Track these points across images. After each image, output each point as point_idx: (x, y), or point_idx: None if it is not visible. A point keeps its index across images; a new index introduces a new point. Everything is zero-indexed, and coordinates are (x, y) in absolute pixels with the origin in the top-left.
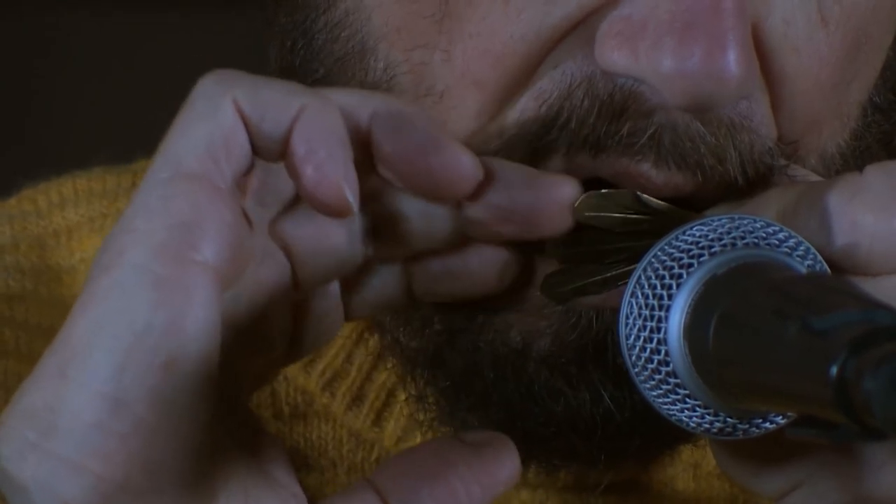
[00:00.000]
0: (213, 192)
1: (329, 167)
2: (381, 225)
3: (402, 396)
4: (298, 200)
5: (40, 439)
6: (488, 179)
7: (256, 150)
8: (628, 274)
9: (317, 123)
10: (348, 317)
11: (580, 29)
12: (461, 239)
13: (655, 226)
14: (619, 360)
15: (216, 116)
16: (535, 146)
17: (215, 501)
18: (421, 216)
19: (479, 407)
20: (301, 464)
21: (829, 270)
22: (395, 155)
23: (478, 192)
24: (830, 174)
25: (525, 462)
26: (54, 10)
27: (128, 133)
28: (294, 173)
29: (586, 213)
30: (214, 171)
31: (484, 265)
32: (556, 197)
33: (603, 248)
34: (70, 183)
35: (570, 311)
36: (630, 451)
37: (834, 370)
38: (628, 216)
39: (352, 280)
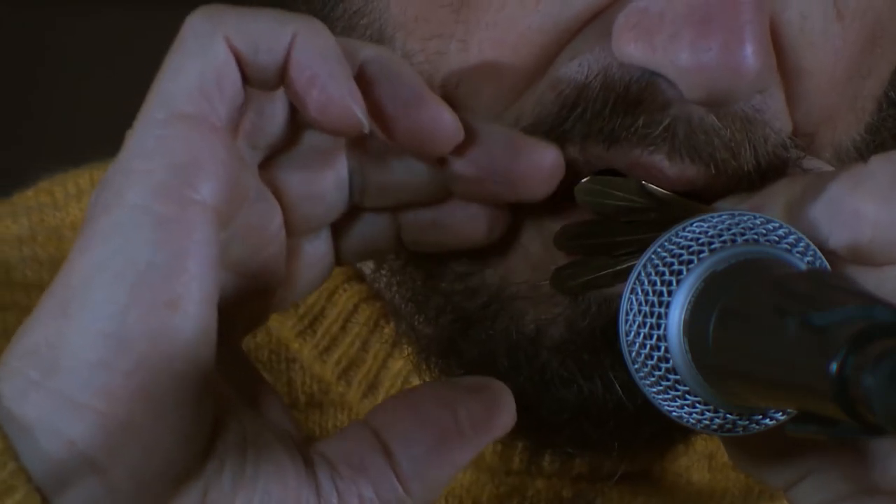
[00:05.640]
0: (209, 132)
1: (333, 88)
2: (367, 174)
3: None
4: (288, 145)
5: (42, 378)
6: (472, 138)
7: (252, 81)
8: None
9: (313, 47)
10: (339, 262)
11: (597, 21)
12: (445, 194)
13: (663, 216)
14: None
15: (208, 54)
16: (550, 136)
17: (215, 439)
18: (404, 169)
19: None
20: None
21: (828, 267)
22: (382, 105)
23: (461, 151)
24: None
25: (539, 450)
26: (54, 10)
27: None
28: (298, 100)
29: (587, 197)
30: (209, 109)
31: (470, 219)
32: (536, 161)
33: (612, 241)
34: (87, 174)
35: (580, 297)
36: (642, 439)
37: (833, 366)
38: (633, 205)
39: (342, 226)
